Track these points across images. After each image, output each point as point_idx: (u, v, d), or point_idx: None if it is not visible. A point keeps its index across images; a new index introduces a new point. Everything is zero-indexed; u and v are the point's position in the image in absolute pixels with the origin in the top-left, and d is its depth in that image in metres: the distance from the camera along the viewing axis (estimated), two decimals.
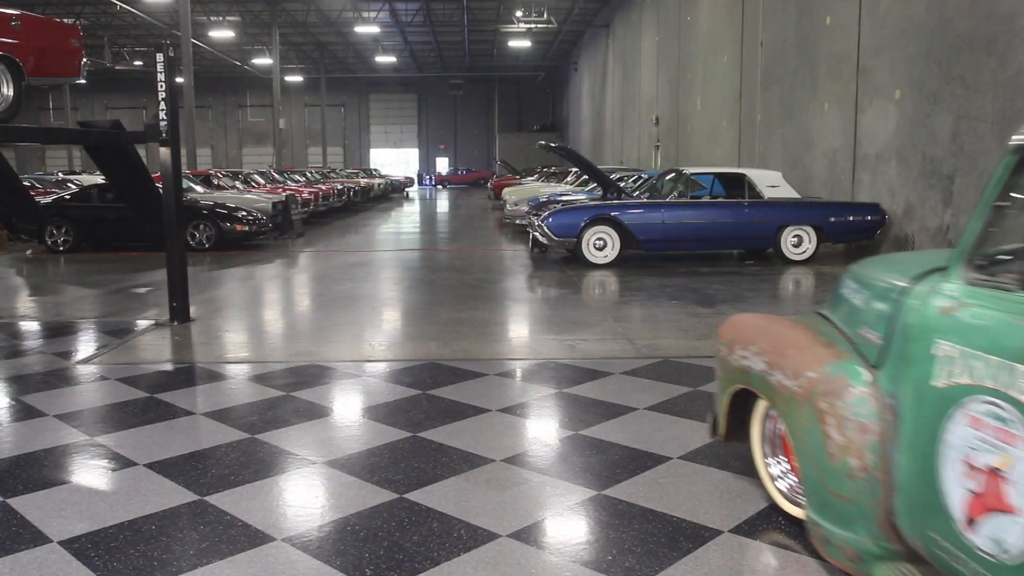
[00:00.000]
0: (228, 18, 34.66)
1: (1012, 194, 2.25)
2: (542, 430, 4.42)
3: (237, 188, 19.72)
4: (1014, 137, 2.30)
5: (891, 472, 2.49)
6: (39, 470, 3.89)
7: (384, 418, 4.63)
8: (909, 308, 2.49)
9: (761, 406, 3.37)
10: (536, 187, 20.20)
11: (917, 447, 2.36)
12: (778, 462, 3.33)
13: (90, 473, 3.86)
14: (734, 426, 3.51)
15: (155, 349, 6.54)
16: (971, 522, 2.14)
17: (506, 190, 20.98)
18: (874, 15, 11.90)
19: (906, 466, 2.41)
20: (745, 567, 2.90)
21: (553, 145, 14.30)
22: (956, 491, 2.20)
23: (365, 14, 34.91)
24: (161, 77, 7.27)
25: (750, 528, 3.17)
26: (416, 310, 8.25)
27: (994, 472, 2.07)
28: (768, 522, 3.22)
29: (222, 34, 35.28)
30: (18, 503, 3.49)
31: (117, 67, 39.78)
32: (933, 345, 2.32)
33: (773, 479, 3.32)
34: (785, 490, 3.25)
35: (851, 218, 11.25)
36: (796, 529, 3.13)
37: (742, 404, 3.42)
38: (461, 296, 8.94)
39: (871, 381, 2.62)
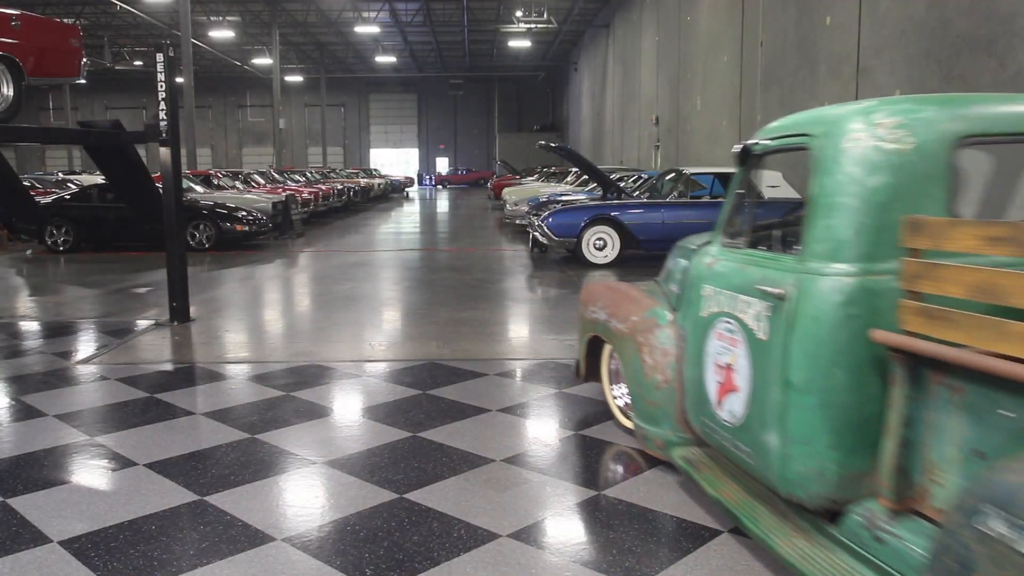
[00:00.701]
0: (228, 18, 34.65)
1: (743, 187, 3.42)
2: (542, 430, 4.42)
3: (237, 188, 19.72)
4: (734, 147, 3.33)
5: (682, 382, 3.55)
6: (39, 470, 3.89)
7: (384, 418, 4.63)
8: (693, 265, 3.56)
9: (607, 349, 4.42)
10: (536, 187, 20.20)
11: (694, 360, 3.41)
12: (618, 387, 4.42)
13: (90, 473, 3.86)
14: (591, 369, 4.61)
15: (155, 349, 6.54)
16: (720, 403, 3.16)
17: (506, 190, 20.98)
18: (874, 15, 11.91)
19: (689, 375, 3.47)
20: (745, 567, 2.90)
21: (553, 145, 14.29)
22: (712, 385, 3.22)
23: (365, 14, 34.91)
24: (161, 77, 7.28)
25: None
26: (416, 310, 8.25)
27: (728, 367, 3.09)
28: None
29: (222, 34, 35.28)
30: (18, 503, 3.49)
31: (117, 67, 39.77)
32: (702, 288, 3.37)
33: (614, 399, 4.44)
34: (622, 406, 4.35)
35: None
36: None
37: (595, 350, 4.50)
38: (461, 296, 8.94)
39: (671, 320, 3.71)
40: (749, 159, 3.36)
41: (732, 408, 3.06)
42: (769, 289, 2.84)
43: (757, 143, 3.29)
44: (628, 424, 4.25)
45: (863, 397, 2.61)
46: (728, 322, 3.11)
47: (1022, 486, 1.85)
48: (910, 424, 2.47)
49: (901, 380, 2.46)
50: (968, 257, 2.40)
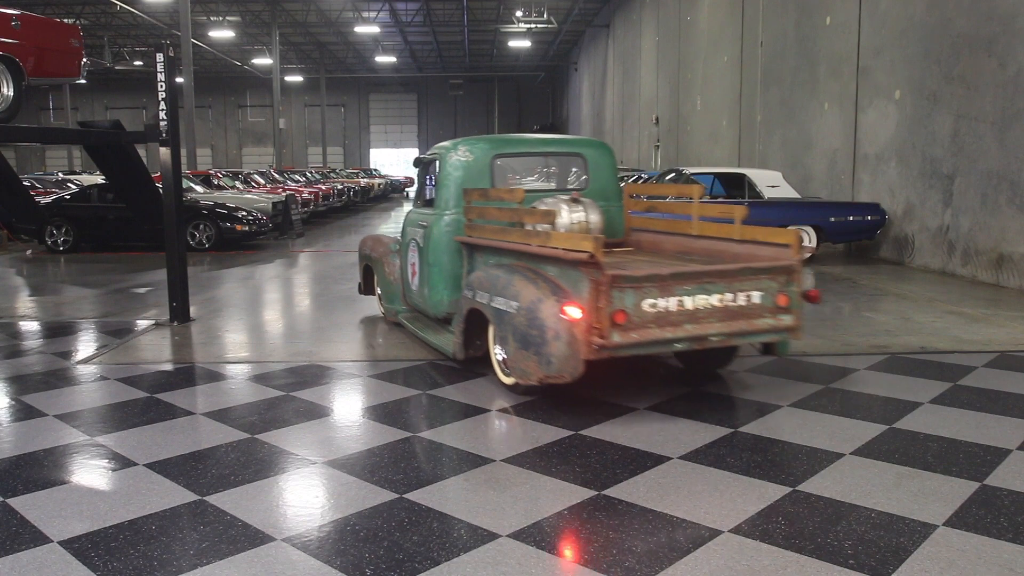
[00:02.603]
0: (228, 18, 34.64)
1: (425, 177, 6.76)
2: (542, 430, 4.42)
3: (237, 188, 19.71)
4: (414, 158, 6.96)
5: (402, 279, 6.80)
6: (39, 470, 3.89)
7: (384, 418, 4.63)
8: (406, 218, 6.66)
9: (375, 273, 7.40)
10: None
11: (404, 266, 6.70)
12: (378, 290, 7.44)
13: (90, 473, 3.87)
14: (367, 287, 7.77)
15: (155, 349, 6.54)
16: (412, 282, 6.50)
17: None
18: (874, 15, 11.90)
19: (404, 275, 6.74)
20: (745, 567, 2.89)
21: None
22: (409, 275, 6.56)
23: (365, 14, 34.91)
24: (161, 77, 7.27)
25: (750, 528, 3.17)
26: None
27: (414, 264, 6.40)
28: (769, 522, 3.23)
29: (222, 34, 35.27)
30: (18, 503, 3.49)
31: (117, 67, 39.74)
32: (407, 229, 6.62)
33: (378, 296, 7.46)
34: (379, 300, 7.44)
35: (851, 218, 11.24)
36: (796, 535, 3.13)
37: (368, 274, 7.66)
38: None
39: (398, 249, 6.94)
40: (420, 164, 6.69)
41: (416, 283, 6.32)
42: (424, 223, 6.15)
43: (424, 156, 6.59)
44: (380, 311, 7.48)
45: (456, 266, 5.86)
46: (414, 242, 6.34)
47: (474, 278, 5.25)
48: (470, 274, 5.47)
49: (466, 256, 5.72)
50: (498, 203, 5.47)
